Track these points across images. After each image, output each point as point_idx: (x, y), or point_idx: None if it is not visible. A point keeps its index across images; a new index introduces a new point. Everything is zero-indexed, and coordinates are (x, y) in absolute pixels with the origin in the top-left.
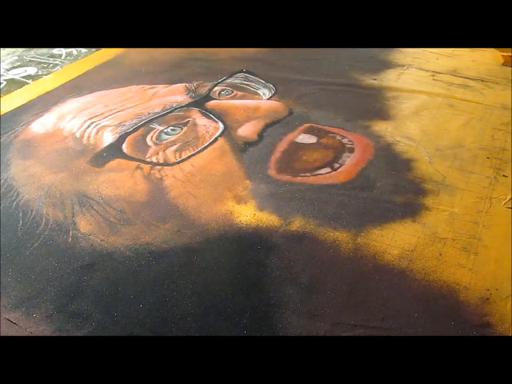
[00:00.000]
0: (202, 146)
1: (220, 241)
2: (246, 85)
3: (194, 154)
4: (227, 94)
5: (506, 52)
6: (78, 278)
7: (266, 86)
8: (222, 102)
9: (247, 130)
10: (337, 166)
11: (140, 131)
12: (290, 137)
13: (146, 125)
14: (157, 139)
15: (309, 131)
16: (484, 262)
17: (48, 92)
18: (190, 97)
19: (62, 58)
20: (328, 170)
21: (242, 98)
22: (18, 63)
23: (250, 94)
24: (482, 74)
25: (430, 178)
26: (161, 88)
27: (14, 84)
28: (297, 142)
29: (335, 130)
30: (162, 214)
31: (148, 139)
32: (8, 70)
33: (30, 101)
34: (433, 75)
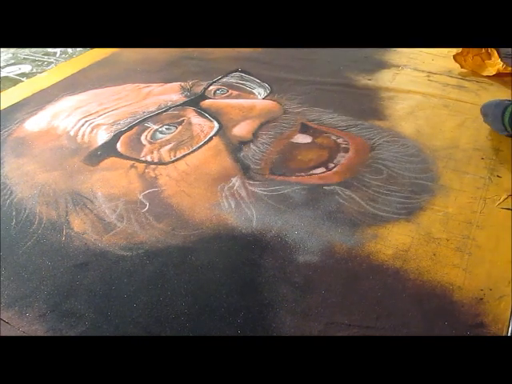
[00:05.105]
0: (197, 145)
1: (214, 240)
2: (242, 84)
3: (188, 153)
4: (222, 93)
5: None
6: (71, 277)
7: (261, 86)
8: (217, 101)
9: (242, 130)
10: (331, 165)
11: (134, 130)
12: (285, 136)
13: (140, 123)
14: (151, 138)
15: (304, 131)
16: (478, 262)
17: (42, 90)
18: (185, 96)
19: (57, 56)
20: (323, 169)
21: (237, 97)
22: (12, 61)
23: (245, 93)
24: (477, 75)
25: (424, 179)
26: (156, 87)
27: (8, 82)
28: (292, 142)
29: (330, 129)
30: (156, 214)
31: (143, 138)
32: (2, 68)
33: (24, 99)
34: (428, 76)
